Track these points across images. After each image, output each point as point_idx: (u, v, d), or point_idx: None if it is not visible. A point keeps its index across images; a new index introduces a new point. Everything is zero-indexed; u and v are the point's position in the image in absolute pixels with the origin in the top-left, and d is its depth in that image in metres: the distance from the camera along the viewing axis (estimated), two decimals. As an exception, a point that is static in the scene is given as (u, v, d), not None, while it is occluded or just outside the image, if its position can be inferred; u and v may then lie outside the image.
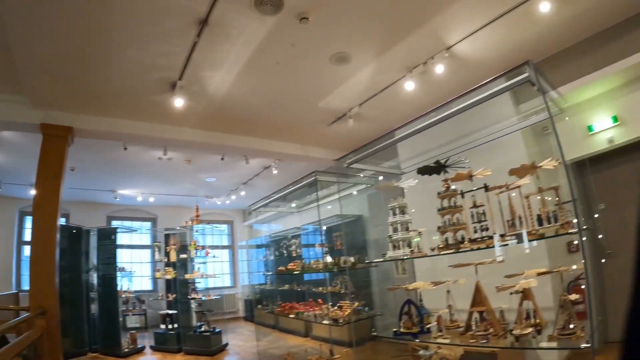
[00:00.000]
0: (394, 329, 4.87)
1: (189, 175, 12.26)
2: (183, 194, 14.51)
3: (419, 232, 5.09)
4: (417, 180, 5.33)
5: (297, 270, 8.56)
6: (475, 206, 4.30)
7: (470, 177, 4.41)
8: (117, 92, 6.73)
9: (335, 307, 7.04)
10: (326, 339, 8.42)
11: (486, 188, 4.21)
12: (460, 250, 4.33)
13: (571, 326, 3.51)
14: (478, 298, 4.19)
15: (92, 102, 6.94)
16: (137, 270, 13.10)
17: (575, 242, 5.61)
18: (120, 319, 10.71)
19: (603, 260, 6.32)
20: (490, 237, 4.06)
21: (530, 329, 3.71)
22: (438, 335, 4.44)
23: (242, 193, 13.70)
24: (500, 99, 4.96)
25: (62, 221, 12.88)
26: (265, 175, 12.12)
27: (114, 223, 14.75)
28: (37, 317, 5.50)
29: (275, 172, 11.03)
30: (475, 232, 4.25)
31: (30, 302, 5.94)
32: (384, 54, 6.20)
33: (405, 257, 5.16)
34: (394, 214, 5.27)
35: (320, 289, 9.80)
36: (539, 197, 3.91)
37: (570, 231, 3.54)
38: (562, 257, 5.69)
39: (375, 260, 6.28)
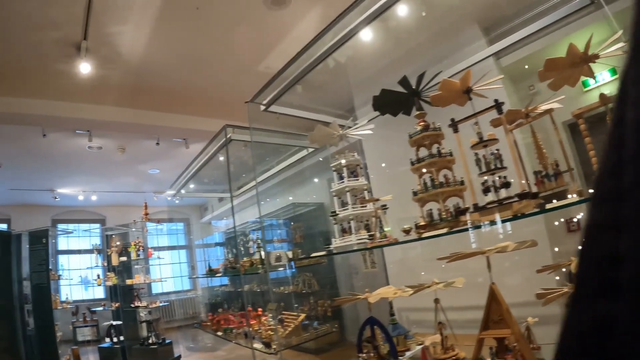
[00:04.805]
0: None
1: (128, 168, 11.27)
2: (128, 191, 13.53)
3: (384, 205, 3.40)
4: (373, 125, 3.67)
5: (219, 273, 7.44)
6: (482, 143, 2.58)
7: (467, 91, 2.67)
8: (10, 63, 5.64)
9: (275, 322, 5.73)
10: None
11: (499, 108, 2.54)
12: (455, 229, 2.66)
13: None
14: (495, 313, 2.56)
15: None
16: (88, 277, 12.27)
17: (576, 219, 4.30)
18: (60, 333, 9.39)
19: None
20: (521, 198, 2.34)
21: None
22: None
23: (191, 186, 12.44)
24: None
25: (3, 227, 12.11)
26: (214, 164, 10.83)
27: (60, 226, 13.78)
28: None
29: (221, 158, 9.73)
30: (487, 192, 2.53)
31: None
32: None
33: (359, 249, 3.44)
34: (340, 178, 3.50)
35: (282, 288, 8.70)
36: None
37: None
38: (562, 238, 4.38)
39: (314, 255, 4.47)
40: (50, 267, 9.22)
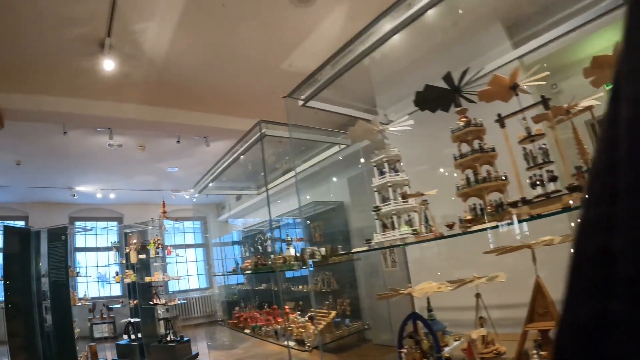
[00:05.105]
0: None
1: (147, 166, 11.22)
2: (146, 189, 13.50)
3: (425, 200, 3.33)
4: (412, 121, 3.58)
5: (250, 270, 7.37)
6: (530, 137, 2.57)
7: (514, 87, 2.66)
8: (35, 60, 5.64)
9: (304, 319, 5.67)
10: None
11: (545, 104, 2.55)
12: (504, 223, 2.61)
13: None
14: (540, 306, 2.57)
15: (11, 76, 5.92)
16: (106, 274, 12.56)
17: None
18: (77, 330, 9.45)
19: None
20: (571, 191, 2.31)
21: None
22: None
23: (210, 185, 12.45)
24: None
25: (21, 224, 12.16)
26: (238, 162, 10.82)
27: (77, 224, 13.79)
28: None
29: (242, 157, 9.73)
30: (535, 185, 2.49)
31: None
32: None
33: (402, 243, 3.33)
34: (381, 173, 3.43)
35: (300, 287, 8.67)
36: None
37: None
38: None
39: (355, 250, 4.48)
40: (69, 264, 9.26)
